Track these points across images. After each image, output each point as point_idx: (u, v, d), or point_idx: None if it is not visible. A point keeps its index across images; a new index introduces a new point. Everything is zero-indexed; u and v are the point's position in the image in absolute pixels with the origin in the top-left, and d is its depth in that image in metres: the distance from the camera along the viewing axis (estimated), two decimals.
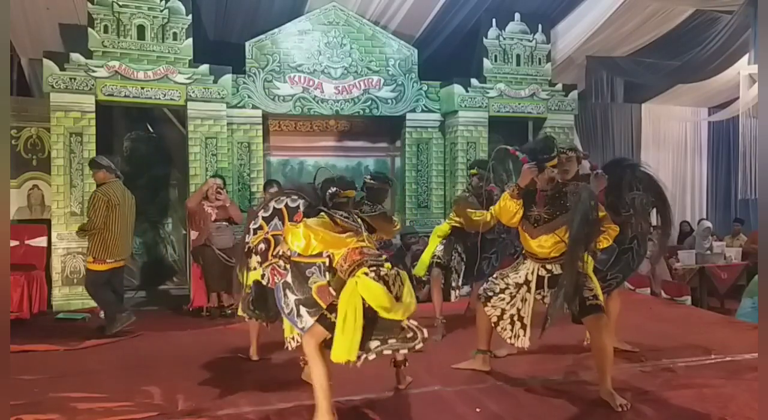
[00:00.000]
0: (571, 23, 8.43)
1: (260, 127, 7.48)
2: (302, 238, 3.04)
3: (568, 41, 8.63)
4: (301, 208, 3.33)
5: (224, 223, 6.19)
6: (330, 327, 3.02)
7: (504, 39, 8.19)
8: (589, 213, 3.34)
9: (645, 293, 7.46)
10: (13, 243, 6.12)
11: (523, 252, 3.85)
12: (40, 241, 6.45)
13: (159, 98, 6.83)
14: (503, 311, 3.80)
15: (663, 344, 4.68)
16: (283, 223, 3.38)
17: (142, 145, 7.47)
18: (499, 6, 8.03)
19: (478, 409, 3.42)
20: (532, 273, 3.72)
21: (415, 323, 3.18)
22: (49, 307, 6.28)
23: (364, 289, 2.92)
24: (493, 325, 3.86)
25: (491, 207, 4.77)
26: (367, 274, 2.98)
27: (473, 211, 4.89)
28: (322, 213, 3.18)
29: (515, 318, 3.76)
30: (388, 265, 3.07)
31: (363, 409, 3.43)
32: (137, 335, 5.35)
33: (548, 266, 3.68)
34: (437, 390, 3.68)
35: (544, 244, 3.65)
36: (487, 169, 4.85)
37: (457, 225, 5.16)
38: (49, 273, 6.43)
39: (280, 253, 3.26)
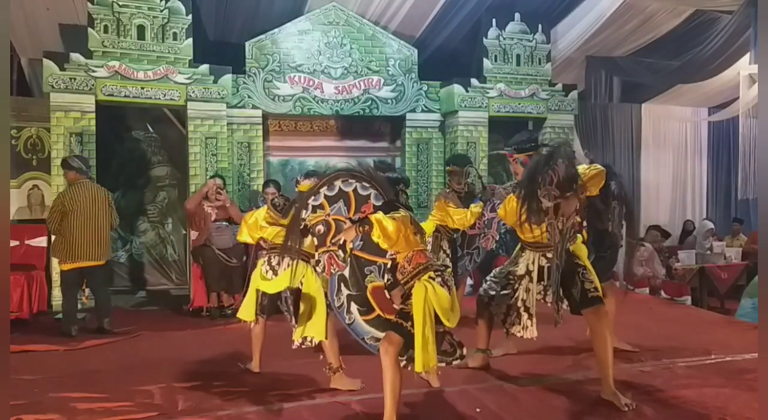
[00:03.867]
0: (571, 23, 8.42)
1: (260, 127, 7.48)
2: (395, 232, 2.86)
3: (568, 41, 8.63)
4: (372, 200, 3.10)
5: (224, 223, 6.20)
6: (406, 335, 2.96)
7: (504, 39, 8.18)
8: (540, 161, 3.25)
9: (645, 293, 7.47)
10: (13, 243, 6.12)
11: (521, 244, 3.85)
12: (40, 241, 6.44)
13: (159, 98, 6.83)
14: (509, 307, 3.81)
15: (663, 344, 4.69)
16: (349, 210, 3.09)
17: (142, 145, 7.47)
18: (499, 6, 8.02)
19: (478, 409, 3.42)
20: (533, 263, 3.72)
21: (457, 339, 3.17)
22: (49, 307, 6.26)
23: (433, 295, 2.88)
24: (501, 322, 3.88)
25: (471, 204, 4.79)
26: (433, 278, 2.93)
27: (455, 208, 4.90)
28: (402, 210, 3.01)
29: (521, 310, 3.77)
30: (449, 270, 3.03)
31: (363, 409, 3.43)
32: (137, 335, 5.37)
33: (548, 255, 3.65)
34: (437, 390, 3.67)
35: (534, 231, 3.64)
36: (466, 167, 4.86)
37: (440, 223, 5.15)
38: (49, 273, 6.41)
39: (341, 241, 3.04)
